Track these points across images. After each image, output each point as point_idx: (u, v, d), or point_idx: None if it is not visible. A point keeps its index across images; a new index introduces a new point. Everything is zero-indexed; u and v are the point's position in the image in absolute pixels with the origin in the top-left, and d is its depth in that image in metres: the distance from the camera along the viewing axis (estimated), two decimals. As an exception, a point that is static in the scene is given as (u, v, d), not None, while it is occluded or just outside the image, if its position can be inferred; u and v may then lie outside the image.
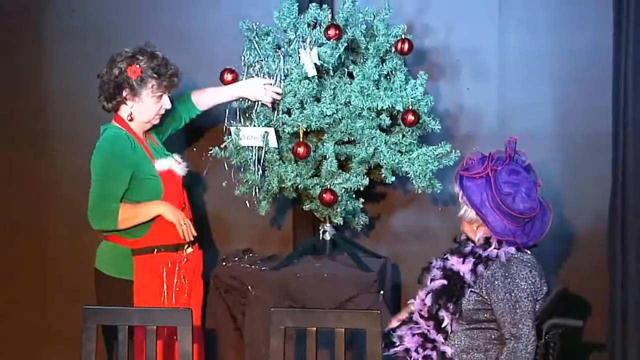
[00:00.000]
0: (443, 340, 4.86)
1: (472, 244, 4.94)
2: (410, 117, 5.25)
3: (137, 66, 5.14)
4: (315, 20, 5.37)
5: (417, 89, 5.32)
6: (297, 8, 5.39)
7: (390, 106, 5.29)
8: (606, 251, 5.52)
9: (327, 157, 5.31)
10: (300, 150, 5.19)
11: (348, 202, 5.41)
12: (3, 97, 6.09)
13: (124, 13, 5.93)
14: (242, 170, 5.43)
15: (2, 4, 6.03)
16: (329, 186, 5.30)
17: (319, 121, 5.26)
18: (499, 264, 4.80)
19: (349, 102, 5.30)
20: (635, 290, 5.44)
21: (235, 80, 5.35)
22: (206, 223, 5.95)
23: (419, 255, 5.43)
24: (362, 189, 5.40)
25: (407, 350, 4.89)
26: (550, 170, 5.72)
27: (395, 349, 4.95)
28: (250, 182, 5.39)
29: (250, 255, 5.69)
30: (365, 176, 5.38)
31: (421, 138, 5.47)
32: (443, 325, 4.84)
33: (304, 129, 5.25)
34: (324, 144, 5.35)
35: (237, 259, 5.64)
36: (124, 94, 5.17)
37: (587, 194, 5.74)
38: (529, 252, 4.90)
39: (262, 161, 5.38)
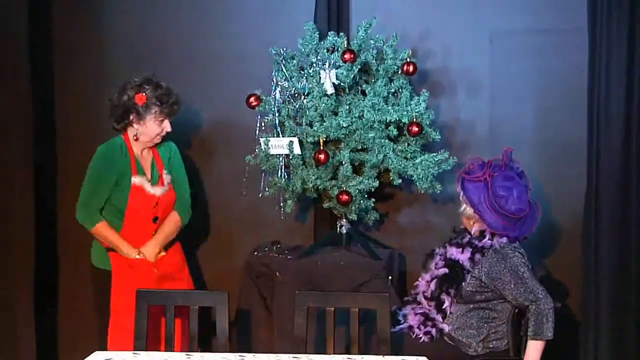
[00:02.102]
0: (442, 320, 4.90)
1: (469, 236, 4.98)
2: (415, 129, 5.26)
3: (143, 94, 5.16)
4: (333, 46, 5.37)
5: (420, 104, 5.33)
6: (317, 36, 5.40)
7: (398, 119, 5.30)
8: (581, 243, 5.51)
9: (344, 162, 5.30)
10: (321, 157, 5.18)
11: (361, 201, 5.40)
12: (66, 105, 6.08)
13: (173, 39, 5.94)
14: (271, 174, 5.45)
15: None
16: (345, 188, 5.30)
17: (336, 132, 5.25)
18: (494, 251, 4.86)
19: (362, 115, 5.31)
20: (604, 275, 5.41)
21: (258, 103, 5.34)
22: (241, 219, 5.96)
23: (421, 246, 5.39)
24: (373, 190, 5.40)
25: (410, 327, 4.94)
26: (533, 172, 5.57)
27: (401, 326, 4.99)
28: (278, 184, 5.40)
29: (278, 246, 5.67)
30: (375, 179, 5.37)
31: (424, 146, 5.47)
32: (443, 307, 4.89)
33: (324, 139, 5.23)
34: (341, 151, 5.33)
35: (266, 249, 5.64)
36: (131, 117, 5.20)
37: (564, 193, 5.71)
38: (517, 243, 4.95)
39: (287, 167, 5.40)
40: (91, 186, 5.23)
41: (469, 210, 4.97)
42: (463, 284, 4.87)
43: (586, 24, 5.37)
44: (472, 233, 4.98)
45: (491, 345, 4.87)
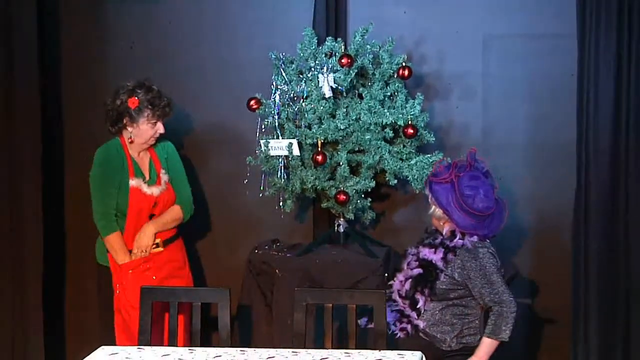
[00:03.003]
0: (417, 316, 4.92)
1: (441, 237, 5.01)
2: (410, 131, 5.28)
3: (136, 98, 5.19)
4: (331, 51, 5.37)
5: (415, 107, 5.34)
6: (316, 41, 5.41)
7: (393, 121, 5.31)
8: (571, 243, 5.51)
9: (341, 163, 5.31)
10: (319, 158, 5.19)
11: (358, 201, 5.42)
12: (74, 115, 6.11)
13: (175, 45, 5.96)
14: (271, 175, 5.46)
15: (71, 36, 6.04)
16: (342, 188, 5.31)
17: (334, 134, 5.27)
18: (465, 250, 4.89)
19: (359, 118, 5.31)
20: (594, 276, 5.42)
21: (258, 106, 5.36)
22: (242, 218, 5.98)
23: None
24: (369, 190, 5.42)
25: (387, 323, 4.95)
26: (524, 173, 5.77)
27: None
28: (278, 184, 5.42)
29: (278, 245, 5.66)
30: (372, 179, 5.39)
31: (418, 148, 5.50)
32: (418, 306, 4.91)
33: (322, 141, 5.24)
34: (338, 153, 5.34)
35: (267, 247, 5.64)
36: (125, 121, 5.23)
37: (555, 194, 5.74)
38: (488, 241, 4.99)
39: (287, 167, 5.41)
40: (100, 192, 5.27)
41: (439, 212, 4.99)
42: (437, 282, 4.91)
43: (576, 30, 5.41)
44: (444, 234, 5.01)
45: (464, 341, 4.90)
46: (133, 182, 5.26)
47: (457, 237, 4.94)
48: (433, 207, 5.02)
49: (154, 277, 5.27)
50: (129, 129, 5.26)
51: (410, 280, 4.98)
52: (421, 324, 4.93)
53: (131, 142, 5.29)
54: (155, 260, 5.32)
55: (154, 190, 5.31)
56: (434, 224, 5.10)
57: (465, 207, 4.87)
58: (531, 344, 5.90)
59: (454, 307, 4.92)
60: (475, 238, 4.93)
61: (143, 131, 5.26)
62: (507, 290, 4.81)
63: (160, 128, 5.28)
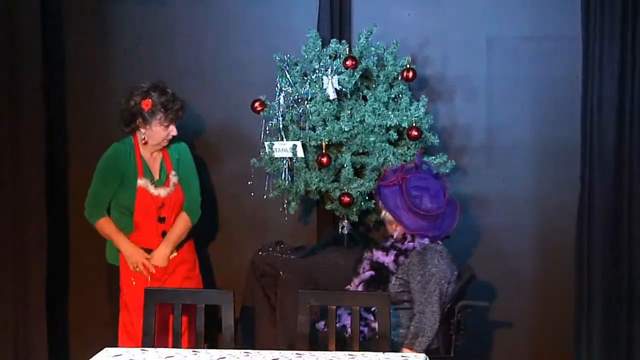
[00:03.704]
0: (373, 319, 4.84)
1: (392, 239, 5.01)
2: (414, 133, 5.27)
3: (149, 100, 5.20)
4: (335, 53, 5.37)
5: (419, 109, 5.33)
6: (320, 43, 5.40)
7: (398, 123, 5.30)
8: (575, 243, 5.53)
9: (345, 165, 5.30)
10: (324, 160, 5.19)
11: (362, 203, 5.39)
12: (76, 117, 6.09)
13: (179, 46, 5.95)
14: (275, 177, 5.45)
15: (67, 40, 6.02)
16: (346, 190, 5.29)
17: (338, 136, 5.27)
18: (416, 253, 4.88)
19: (364, 120, 5.30)
20: (597, 273, 5.45)
21: (262, 108, 5.35)
22: (246, 220, 5.97)
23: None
24: (373, 192, 5.36)
25: (343, 326, 4.86)
26: (528, 174, 5.78)
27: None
28: (282, 186, 5.40)
29: (282, 246, 5.66)
30: (376, 181, 5.31)
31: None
32: (372, 309, 4.83)
33: (326, 143, 5.25)
34: (343, 155, 5.33)
35: (271, 249, 5.63)
36: (137, 122, 5.24)
37: (558, 195, 5.74)
38: (440, 242, 4.97)
39: (291, 169, 5.39)
40: (96, 187, 5.34)
41: (389, 215, 4.99)
42: (389, 285, 4.89)
43: (580, 32, 5.41)
44: (395, 235, 5.00)
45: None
46: (141, 182, 5.28)
47: (408, 240, 4.94)
48: (383, 211, 5.02)
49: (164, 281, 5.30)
50: (142, 130, 5.28)
51: (362, 283, 4.96)
52: (375, 327, 4.84)
53: (145, 144, 5.31)
54: (168, 265, 5.35)
55: (161, 192, 5.32)
56: (387, 229, 5.09)
57: (414, 208, 4.87)
58: (534, 343, 5.89)
59: (409, 310, 4.87)
60: (426, 240, 4.93)
61: (155, 133, 5.27)
62: (437, 306, 4.78)
63: (173, 130, 5.29)
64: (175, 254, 5.37)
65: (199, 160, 5.87)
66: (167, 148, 5.39)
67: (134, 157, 5.31)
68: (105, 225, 5.32)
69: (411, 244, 4.92)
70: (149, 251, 5.33)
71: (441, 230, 4.95)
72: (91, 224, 5.37)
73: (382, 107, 5.35)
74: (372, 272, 4.95)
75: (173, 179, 5.37)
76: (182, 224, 5.39)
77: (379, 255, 4.98)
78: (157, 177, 5.34)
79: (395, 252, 4.94)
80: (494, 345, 5.90)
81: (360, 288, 4.95)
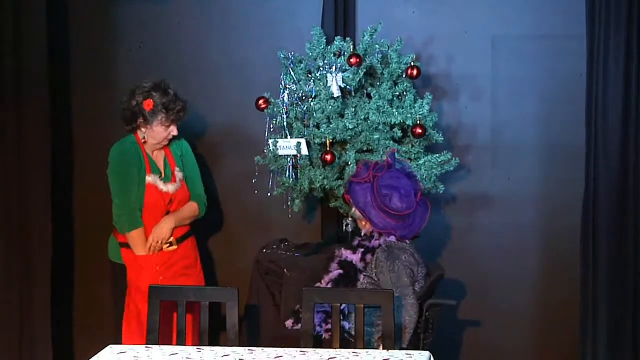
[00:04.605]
0: (342, 317, 4.80)
1: (359, 238, 5.01)
2: (418, 130, 5.26)
3: (151, 100, 5.18)
4: (339, 50, 5.36)
5: (423, 107, 5.32)
6: (324, 40, 5.40)
7: (402, 121, 5.29)
8: (579, 243, 5.51)
9: (349, 163, 5.28)
10: (328, 157, 5.19)
11: (366, 201, 5.42)
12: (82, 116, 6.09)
13: (183, 45, 5.95)
14: (279, 174, 5.45)
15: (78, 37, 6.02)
16: (350, 187, 5.31)
17: (342, 133, 5.26)
18: (382, 250, 4.87)
19: (368, 117, 5.29)
20: (603, 275, 5.43)
21: (267, 105, 5.34)
22: (250, 218, 5.97)
23: (424, 243, 5.37)
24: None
25: (314, 324, 4.88)
26: (533, 173, 5.77)
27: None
28: (286, 184, 5.40)
29: (286, 244, 5.62)
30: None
31: (427, 148, 5.48)
32: (341, 307, 4.81)
33: (331, 140, 5.25)
34: (347, 152, 5.32)
35: (275, 246, 5.60)
36: (138, 121, 5.23)
37: (563, 193, 5.72)
38: (407, 242, 4.95)
39: (295, 167, 5.38)
40: (120, 187, 5.27)
41: (358, 212, 4.98)
42: (358, 283, 4.87)
43: (585, 31, 5.41)
44: (363, 233, 5.00)
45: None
46: (149, 178, 5.27)
47: (375, 238, 4.94)
48: (353, 207, 5.00)
49: (160, 278, 5.26)
50: (142, 129, 5.27)
51: (331, 282, 4.94)
52: (346, 325, 4.82)
53: (145, 142, 5.31)
54: (168, 257, 5.32)
55: (170, 187, 5.31)
56: (358, 224, 5.08)
57: (383, 206, 4.86)
58: (539, 342, 5.89)
59: (377, 308, 4.81)
60: (392, 238, 4.91)
61: (156, 133, 5.26)
62: (412, 294, 4.77)
63: (173, 130, 5.27)
64: (175, 246, 5.33)
65: (204, 158, 5.87)
66: (168, 145, 5.38)
67: (141, 153, 5.30)
68: (139, 237, 5.26)
69: (377, 241, 4.92)
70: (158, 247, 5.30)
71: (409, 230, 4.94)
72: (124, 231, 5.29)
73: (386, 105, 5.33)
74: (340, 271, 4.94)
75: (178, 174, 5.37)
76: (189, 208, 5.39)
77: (347, 253, 4.98)
78: (162, 173, 5.33)
79: (362, 250, 4.94)
80: (498, 343, 5.89)
81: (329, 286, 4.93)
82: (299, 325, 4.57)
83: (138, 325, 5.22)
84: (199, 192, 5.45)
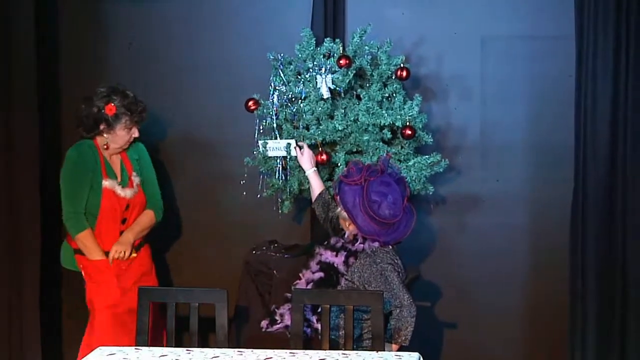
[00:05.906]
0: (316, 320, 4.80)
1: (342, 240, 4.97)
2: (408, 132, 5.25)
3: (113, 105, 5.17)
4: (329, 52, 5.35)
5: (413, 108, 5.31)
6: (314, 42, 5.39)
7: (391, 122, 5.28)
8: (569, 242, 5.52)
9: (339, 164, 5.28)
10: (323, 157, 5.19)
11: (356, 202, 5.40)
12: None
13: (174, 45, 5.94)
14: (269, 176, 5.44)
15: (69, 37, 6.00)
16: (340, 189, 5.30)
17: (332, 135, 5.25)
18: (365, 255, 4.84)
19: (357, 119, 5.28)
20: (592, 276, 5.45)
21: (256, 107, 5.31)
22: (240, 219, 5.94)
23: (413, 244, 5.44)
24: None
25: (287, 326, 4.85)
26: (522, 174, 5.79)
27: (277, 325, 4.94)
28: (276, 185, 5.40)
29: (276, 245, 5.61)
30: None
31: (416, 149, 5.48)
32: (319, 310, 4.75)
33: (320, 141, 5.25)
34: (337, 153, 5.31)
35: (264, 248, 5.57)
36: (101, 127, 5.21)
37: (552, 194, 5.73)
38: (390, 247, 4.92)
39: (285, 168, 5.37)
40: (71, 192, 5.27)
41: (344, 213, 4.95)
42: (339, 287, 4.84)
43: (574, 31, 5.42)
44: (346, 236, 4.96)
45: (364, 345, 4.81)
46: (107, 183, 5.26)
47: (359, 242, 4.90)
48: (339, 207, 4.97)
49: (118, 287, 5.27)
50: (105, 135, 5.25)
51: (311, 284, 4.92)
52: (320, 327, 4.72)
53: (106, 149, 5.29)
54: (126, 264, 5.33)
55: (127, 193, 5.32)
56: (341, 224, 5.04)
57: (371, 212, 4.82)
58: (528, 342, 5.89)
59: (354, 311, 4.80)
60: (376, 244, 4.88)
61: (119, 137, 5.26)
62: (408, 294, 4.75)
63: (135, 132, 5.29)
64: (134, 254, 5.34)
65: (192, 160, 5.84)
66: (125, 149, 5.37)
67: (98, 158, 5.28)
68: (88, 239, 5.26)
69: (361, 245, 4.89)
70: (108, 254, 5.30)
71: (393, 236, 4.91)
72: (71, 234, 5.30)
73: (376, 106, 5.32)
74: (321, 274, 4.90)
75: (135, 179, 5.37)
76: (146, 218, 5.40)
77: (328, 255, 4.95)
78: (119, 178, 5.32)
79: (345, 253, 4.90)
80: (488, 342, 5.88)
81: (309, 288, 4.91)
82: (274, 327, 4.55)
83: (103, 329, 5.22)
84: (156, 197, 5.46)
